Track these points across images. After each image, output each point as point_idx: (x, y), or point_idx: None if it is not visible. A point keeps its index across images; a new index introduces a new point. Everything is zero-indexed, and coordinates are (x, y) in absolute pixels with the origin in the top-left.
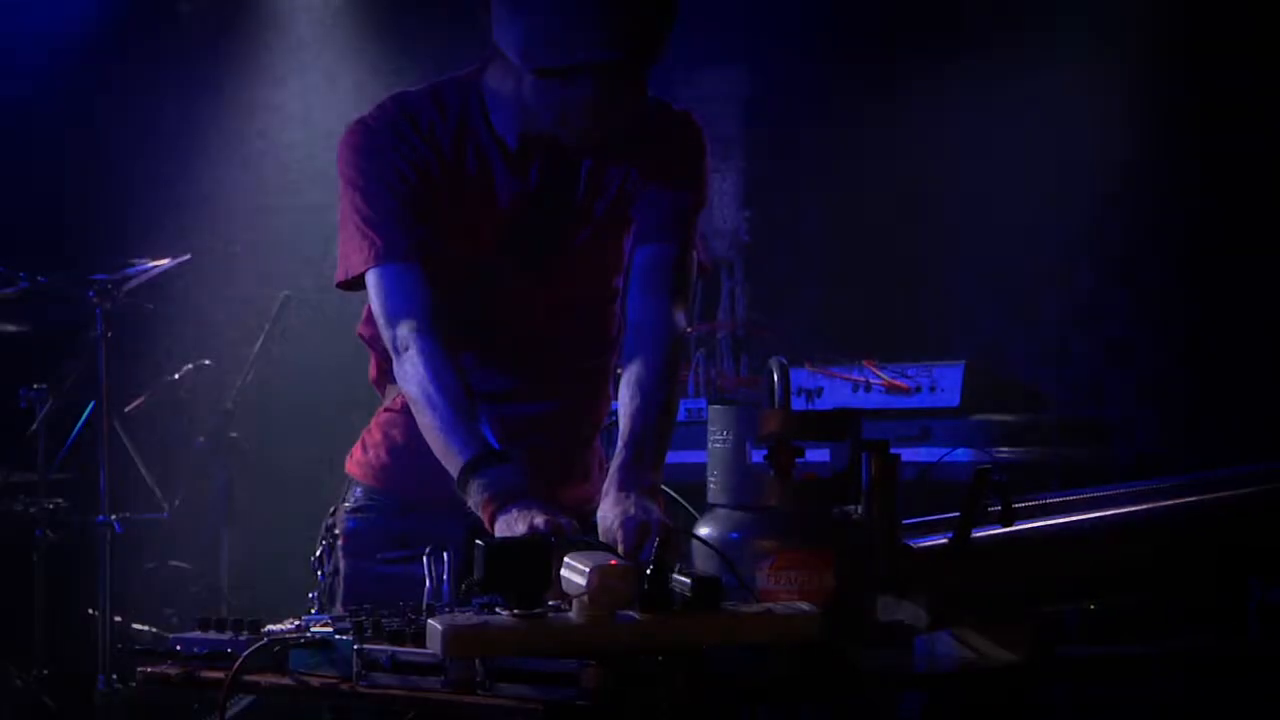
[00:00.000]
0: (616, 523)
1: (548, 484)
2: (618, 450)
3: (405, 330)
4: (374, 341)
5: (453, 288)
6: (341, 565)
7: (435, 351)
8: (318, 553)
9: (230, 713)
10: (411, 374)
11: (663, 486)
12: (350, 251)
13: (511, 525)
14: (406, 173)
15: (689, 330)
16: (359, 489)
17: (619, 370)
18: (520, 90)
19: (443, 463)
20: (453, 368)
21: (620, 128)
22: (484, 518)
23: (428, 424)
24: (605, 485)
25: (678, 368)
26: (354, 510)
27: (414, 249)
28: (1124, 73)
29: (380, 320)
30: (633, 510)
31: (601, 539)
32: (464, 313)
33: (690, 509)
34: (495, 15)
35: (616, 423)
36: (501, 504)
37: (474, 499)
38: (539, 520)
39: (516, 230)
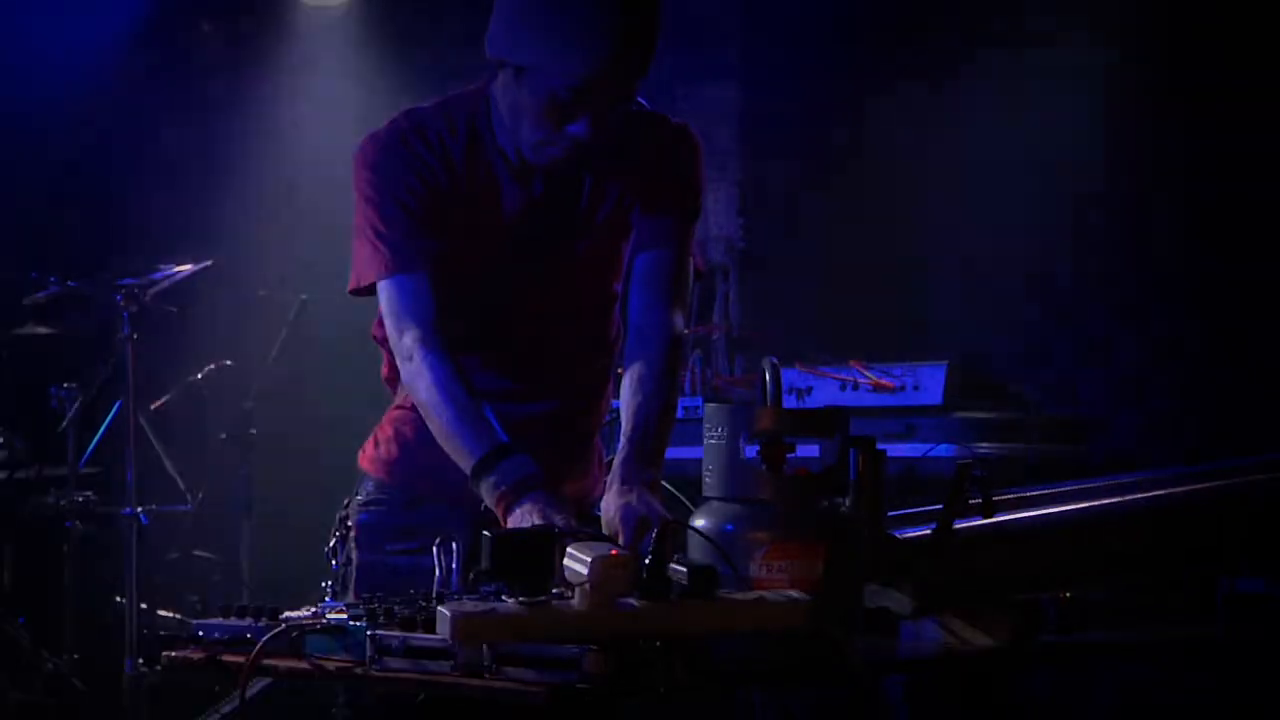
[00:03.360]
0: (618, 516)
1: (551, 479)
2: (620, 445)
3: (410, 339)
4: (386, 343)
5: (459, 292)
6: (354, 556)
7: (440, 358)
8: (331, 543)
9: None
10: (419, 382)
11: (661, 481)
12: (361, 262)
13: (519, 522)
14: (415, 186)
15: (687, 332)
16: (370, 483)
17: (620, 371)
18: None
19: (458, 464)
20: (457, 373)
21: (608, 137)
22: (498, 513)
23: (438, 429)
24: (608, 479)
25: (677, 368)
26: (366, 503)
27: (420, 259)
28: (1103, 79)
29: (389, 328)
30: (634, 504)
31: (604, 531)
32: (470, 316)
33: (686, 501)
34: (494, 29)
35: (617, 420)
36: (511, 500)
37: (487, 496)
38: (537, 520)
39: (521, 238)
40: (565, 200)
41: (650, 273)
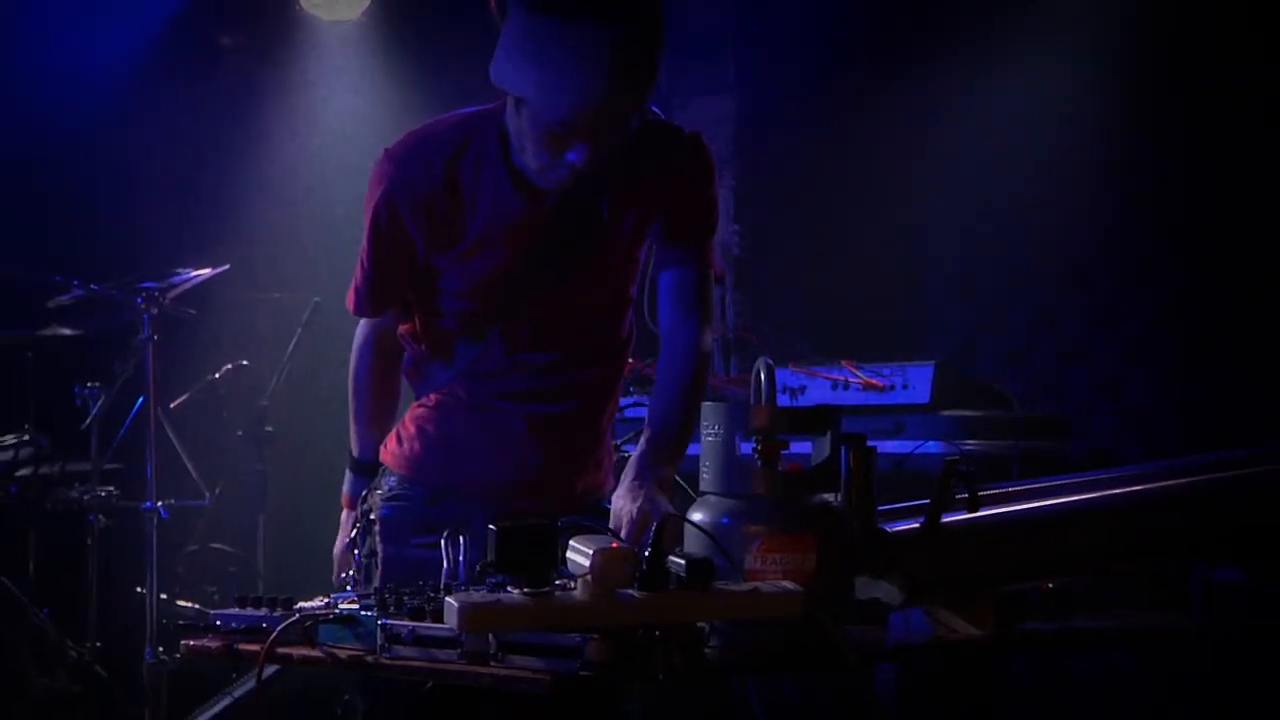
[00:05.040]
0: (625, 510)
1: (567, 475)
2: (640, 443)
3: (361, 333)
4: (408, 340)
5: (482, 300)
6: (379, 549)
7: (372, 354)
8: (353, 534)
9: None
10: (353, 362)
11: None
12: (351, 289)
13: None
14: (402, 216)
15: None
16: (393, 478)
17: (645, 370)
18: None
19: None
20: (388, 376)
21: (611, 159)
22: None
23: (351, 402)
24: (624, 472)
25: (703, 380)
26: (389, 498)
27: (382, 305)
28: (1082, 99)
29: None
30: (641, 500)
31: (612, 523)
32: (492, 322)
33: (692, 492)
34: (497, 58)
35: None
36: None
37: (347, 485)
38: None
39: (538, 251)
40: (582, 216)
41: (678, 289)
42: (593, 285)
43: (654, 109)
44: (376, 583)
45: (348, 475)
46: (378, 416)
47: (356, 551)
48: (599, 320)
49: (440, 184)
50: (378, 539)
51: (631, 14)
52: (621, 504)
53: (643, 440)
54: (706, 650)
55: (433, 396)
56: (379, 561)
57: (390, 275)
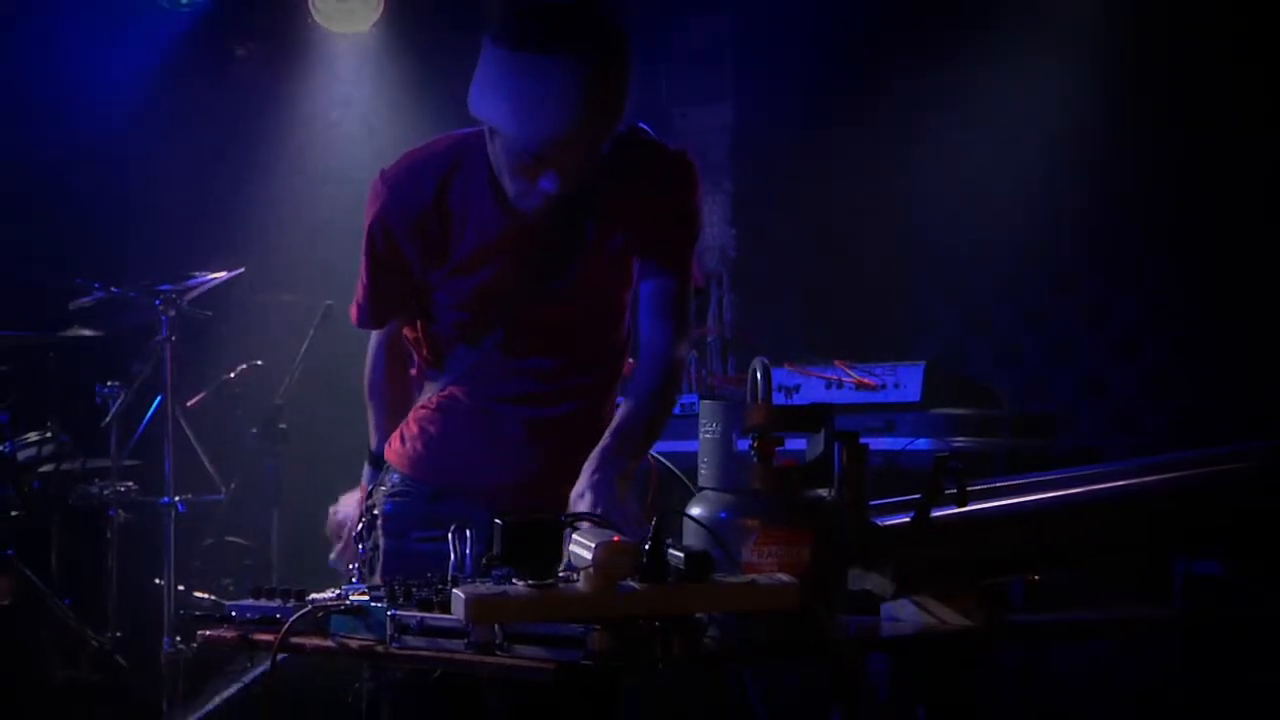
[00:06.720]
0: (574, 498)
1: (565, 477)
2: (605, 437)
3: (373, 341)
4: (414, 344)
5: (483, 310)
6: (381, 542)
7: (384, 361)
8: (359, 528)
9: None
10: (368, 366)
11: (669, 466)
12: (354, 303)
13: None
14: (396, 236)
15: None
16: (396, 475)
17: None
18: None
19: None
20: (399, 379)
21: (586, 182)
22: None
23: (366, 399)
24: (585, 465)
25: (673, 388)
26: (392, 494)
27: (384, 317)
28: (1069, 103)
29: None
30: (586, 494)
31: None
32: (487, 328)
33: (688, 482)
34: (472, 89)
35: None
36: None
37: (366, 479)
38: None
39: (526, 267)
40: (568, 236)
41: (656, 298)
42: (585, 296)
43: (644, 126)
44: (378, 576)
45: (366, 468)
46: (393, 415)
47: (361, 545)
48: (594, 326)
49: (431, 205)
50: (380, 533)
51: (605, 49)
52: (575, 493)
53: (607, 434)
54: (705, 640)
55: (434, 399)
56: (380, 555)
57: (388, 291)
